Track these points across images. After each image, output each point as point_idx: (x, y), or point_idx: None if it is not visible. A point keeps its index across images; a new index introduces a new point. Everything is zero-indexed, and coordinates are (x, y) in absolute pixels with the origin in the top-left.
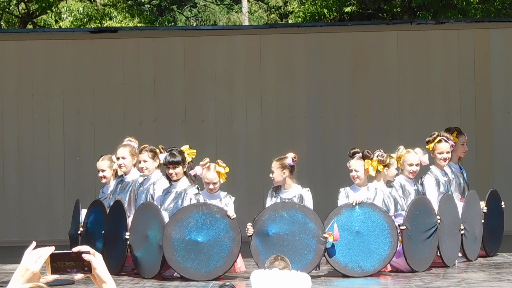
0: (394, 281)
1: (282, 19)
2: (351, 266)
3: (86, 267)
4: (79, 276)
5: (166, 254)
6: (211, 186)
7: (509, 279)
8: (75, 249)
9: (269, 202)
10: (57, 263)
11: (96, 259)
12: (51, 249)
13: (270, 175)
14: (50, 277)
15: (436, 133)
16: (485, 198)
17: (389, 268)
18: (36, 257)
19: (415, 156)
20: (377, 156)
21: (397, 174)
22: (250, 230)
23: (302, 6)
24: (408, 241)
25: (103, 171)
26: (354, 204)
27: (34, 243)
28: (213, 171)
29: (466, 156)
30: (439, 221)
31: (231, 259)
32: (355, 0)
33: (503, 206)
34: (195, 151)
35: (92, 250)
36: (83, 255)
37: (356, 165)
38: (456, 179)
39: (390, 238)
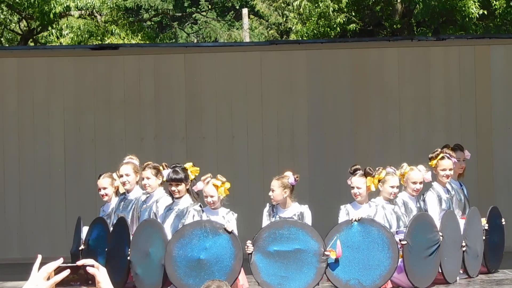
0: None
1: (282, 36)
2: (352, 283)
3: (90, 280)
4: None
5: (168, 270)
6: (209, 200)
7: None
8: (79, 263)
9: (266, 220)
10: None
11: (100, 272)
12: (59, 262)
13: (270, 194)
14: None
15: (439, 150)
16: (486, 214)
17: (390, 284)
18: (45, 275)
19: (419, 174)
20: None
21: (398, 191)
22: (250, 247)
23: (304, 26)
24: (409, 256)
25: (104, 188)
26: (353, 220)
27: (39, 257)
28: (210, 185)
29: (467, 173)
30: (441, 238)
31: (233, 276)
32: (356, 18)
33: (503, 222)
34: (198, 168)
35: (96, 264)
36: (87, 268)
37: (358, 182)
38: (456, 195)
39: (390, 253)
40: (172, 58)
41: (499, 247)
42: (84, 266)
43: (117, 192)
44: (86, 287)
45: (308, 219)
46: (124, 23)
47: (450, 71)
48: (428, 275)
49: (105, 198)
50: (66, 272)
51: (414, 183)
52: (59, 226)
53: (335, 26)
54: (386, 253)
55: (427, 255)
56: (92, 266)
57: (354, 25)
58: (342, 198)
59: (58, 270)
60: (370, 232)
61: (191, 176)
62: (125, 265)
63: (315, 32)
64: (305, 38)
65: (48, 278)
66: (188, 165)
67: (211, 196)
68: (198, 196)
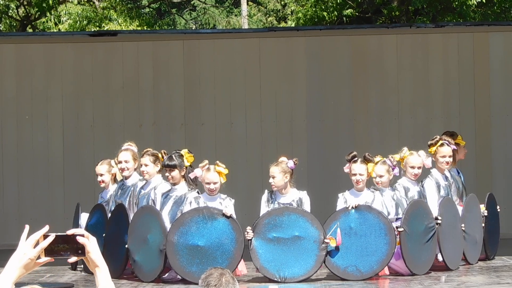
0: (393, 284)
1: (280, 22)
2: (350, 269)
3: (80, 250)
4: (72, 259)
5: (170, 259)
6: (211, 187)
7: (508, 282)
8: (69, 232)
9: (264, 207)
10: (51, 245)
11: (90, 242)
12: (45, 230)
13: (270, 181)
14: (43, 259)
15: (438, 137)
16: (484, 201)
17: (387, 271)
18: (33, 242)
19: (418, 159)
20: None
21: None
22: (250, 233)
23: (301, 8)
24: (407, 243)
25: (101, 175)
26: (350, 208)
27: (27, 227)
28: (213, 172)
29: (466, 159)
30: (437, 224)
31: (236, 260)
32: (354, 3)
33: (498, 210)
34: (193, 155)
35: (86, 233)
36: (77, 238)
37: (360, 168)
38: (454, 182)
39: (387, 239)
40: (171, 45)
41: (496, 234)
42: (74, 236)
43: (114, 179)
44: (76, 257)
45: (307, 205)
46: (122, 9)
47: (449, 58)
48: (426, 262)
49: (102, 185)
50: (52, 237)
51: (413, 167)
52: (57, 212)
53: (331, 9)
54: (383, 239)
55: (425, 241)
56: (82, 236)
57: (351, 10)
58: (341, 185)
59: (45, 238)
60: (367, 218)
61: (186, 163)
62: (124, 252)
63: (312, 15)
64: (302, 22)
65: (36, 246)
66: (183, 151)
67: (214, 183)
68: (193, 183)
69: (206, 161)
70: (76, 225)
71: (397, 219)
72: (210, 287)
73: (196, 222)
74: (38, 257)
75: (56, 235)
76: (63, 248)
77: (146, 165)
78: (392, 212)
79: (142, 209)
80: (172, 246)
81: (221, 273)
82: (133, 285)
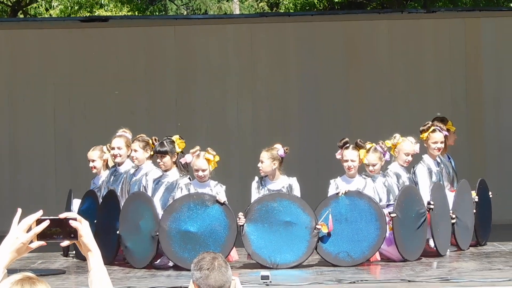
0: (385, 270)
1: (272, 8)
2: (342, 255)
3: (72, 234)
4: (65, 243)
5: (162, 245)
6: (200, 174)
7: (499, 268)
8: (61, 215)
9: (255, 193)
10: (43, 229)
11: (82, 226)
12: (39, 214)
13: (259, 165)
14: (36, 243)
15: (430, 123)
16: (475, 187)
17: (379, 257)
18: (26, 227)
19: (412, 146)
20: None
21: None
22: (241, 219)
23: None
24: (399, 229)
25: (93, 161)
26: (340, 194)
27: (19, 210)
28: (202, 158)
29: (458, 146)
30: (430, 209)
31: (228, 247)
32: None
33: (490, 195)
34: (184, 141)
35: (78, 217)
36: (70, 221)
37: (352, 155)
38: (445, 168)
39: (378, 224)
40: (162, 31)
41: (488, 220)
42: (66, 219)
43: (106, 165)
44: (69, 240)
45: (297, 191)
46: None
47: (441, 44)
48: (418, 248)
49: (94, 171)
50: (46, 223)
51: (407, 154)
52: (50, 198)
53: None
54: (374, 225)
55: (416, 228)
56: (75, 219)
57: None
58: (333, 171)
59: (38, 222)
60: (358, 204)
61: (177, 149)
62: (115, 238)
63: (303, 3)
64: (292, 7)
65: (28, 231)
66: (175, 137)
67: (203, 170)
68: (185, 169)
69: (198, 147)
70: (69, 211)
71: (388, 205)
72: (202, 271)
73: (188, 208)
74: (31, 241)
75: (49, 219)
76: (56, 231)
77: (135, 151)
78: (384, 198)
79: (134, 195)
80: (164, 232)
81: (214, 257)
82: (125, 272)
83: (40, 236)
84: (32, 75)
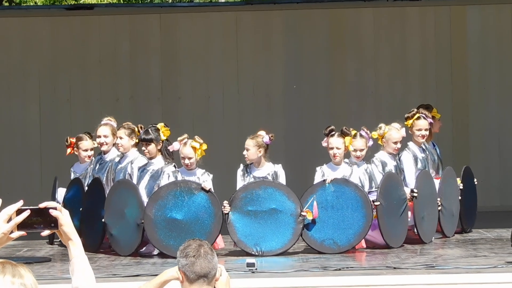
0: (370, 257)
1: None
2: (327, 243)
3: (53, 223)
4: (46, 232)
5: (148, 233)
6: (186, 162)
7: (485, 255)
8: (42, 205)
9: (240, 180)
10: (24, 218)
11: (63, 215)
12: (19, 205)
13: (244, 153)
14: (16, 233)
15: (415, 110)
16: (460, 174)
17: (364, 244)
18: (6, 217)
19: (399, 133)
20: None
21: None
22: (226, 207)
23: None
24: (384, 217)
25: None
26: (327, 182)
27: (0, 200)
28: (188, 146)
29: (443, 133)
30: (414, 197)
31: (214, 235)
32: None
33: (475, 182)
34: (169, 129)
35: (58, 206)
36: (50, 211)
37: (337, 142)
38: (430, 156)
39: (364, 212)
40: (147, 18)
41: (473, 207)
42: (47, 209)
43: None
44: (49, 229)
45: (282, 178)
46: None
47: (426, 32)
48: (401, 235)
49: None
50: (26, 213)
51: (396, 142)
52: (34, 186)
53: None
54: (360, 212)
55: (399, 215)
56: (55, 208)
57: None
58: (318, 158)
59: (18, 212)
60: (344, 192)
61: (162, 137)
62: (100, 226)
63: None
64: None
65: (9, 221)
66: (160, 125)
67: (189, 158)
68: (170, 156)
69: (186, 135)
70: (53, 198)
71: (369, 193)
72: (188, 258)
73: (174, 196)
74: (11, 232)
75: (29, 209)
76: (36, 221)
77: (121, 138)
78: (366, 185)
79: (119, 183)
80: (150, 220)
81: (200, 244)
82: (111, 259)
83: (20, 226)
84: (16, 62)
